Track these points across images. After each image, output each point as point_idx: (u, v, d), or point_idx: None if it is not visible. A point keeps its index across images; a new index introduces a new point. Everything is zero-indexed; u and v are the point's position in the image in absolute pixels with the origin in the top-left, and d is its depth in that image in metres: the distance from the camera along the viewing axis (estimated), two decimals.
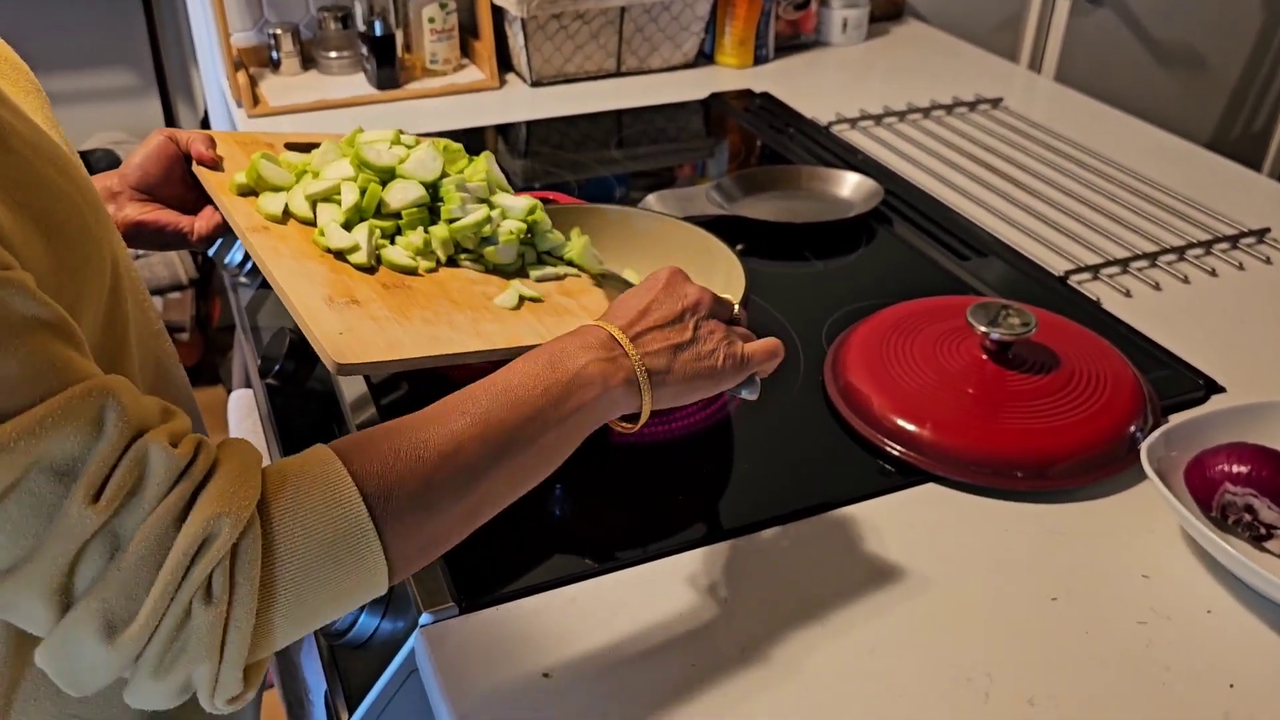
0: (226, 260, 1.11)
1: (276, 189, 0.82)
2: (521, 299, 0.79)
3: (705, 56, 1.70)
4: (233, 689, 0.49)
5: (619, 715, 0.63)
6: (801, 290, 1.08)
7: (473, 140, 1.41)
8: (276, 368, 0.97)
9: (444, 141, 0.86)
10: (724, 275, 0.89)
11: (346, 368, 0.65)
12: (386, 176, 0.82)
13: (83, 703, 0.61)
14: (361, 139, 0.85)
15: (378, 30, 1.49)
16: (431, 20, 1.55)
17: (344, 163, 0.83)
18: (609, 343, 0.62)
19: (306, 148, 0.91)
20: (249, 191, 0.82)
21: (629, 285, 0.90)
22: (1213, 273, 1.11)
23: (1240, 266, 1.12)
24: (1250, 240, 1.16)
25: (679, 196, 1.19)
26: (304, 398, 0.99)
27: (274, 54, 1.57)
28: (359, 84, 1.55)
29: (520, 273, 0.85)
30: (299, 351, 0.98)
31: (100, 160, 2.13)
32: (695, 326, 0.65)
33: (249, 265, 1.12)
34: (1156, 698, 0.65)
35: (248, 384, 1.17)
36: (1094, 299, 1.05)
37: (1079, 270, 1.10)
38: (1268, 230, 1.18)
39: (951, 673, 0.66)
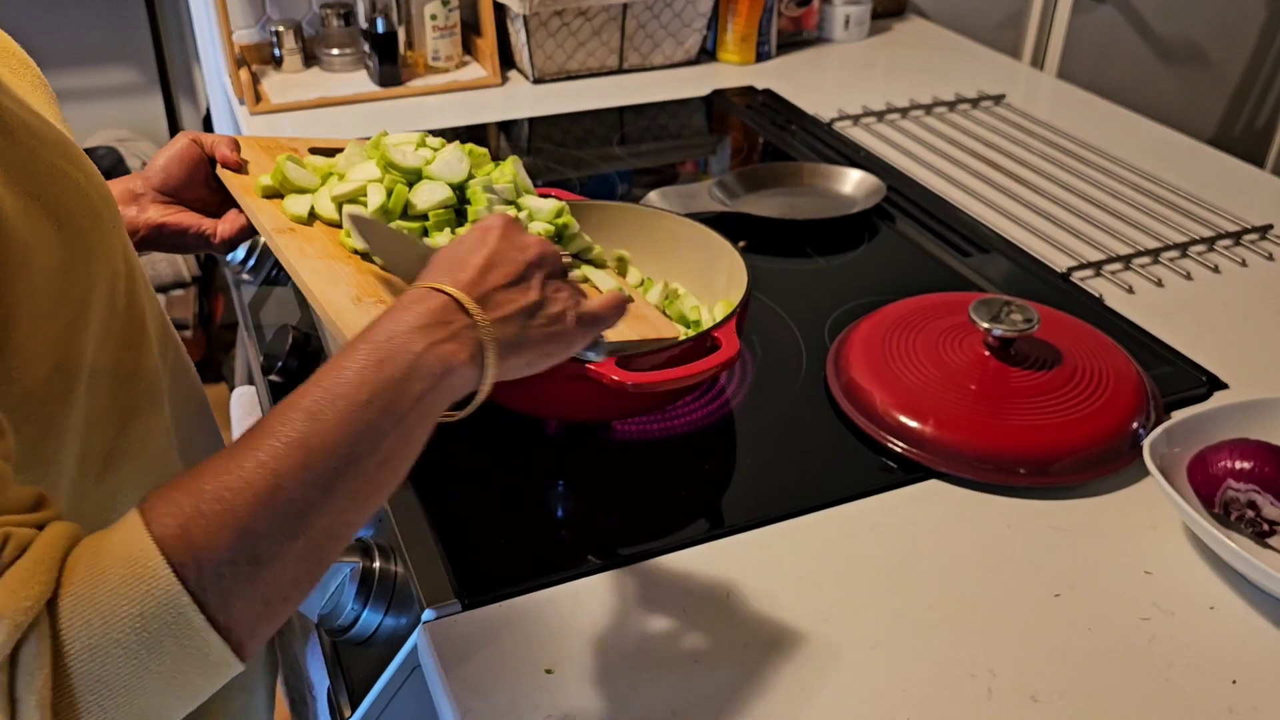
0: (230, 258, 1.11)
1: (302, 191, 0.82)
2: None
3: (707, 53, 1.70)
4: None
5: (621, 712, 0.63)
6: (804, 287, 1.08)
7: (475, 137, 1.41)
8: (279, 365, 0.97)
9: (469, 146, 0.87)
10: (727, 272, 0.89)
11: None
12: (413, 178, 0.82)
13: None
14: (387, 141, 0.85)
15: (380, 27, 1.49)
16: (434, 17, 1.55)
17: (370, 164, 0.83)
18: (449, 310, 0.53)
19: (331, 153, 0.91)
20: (274, 194, 0.82)
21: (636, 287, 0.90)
22: (1215, 269, 1.10)
23: (1243, 263, 1.12)
24: (1253, 237, 1.16)
25: (681, 193, 1.19)
26: None
27: (276, 51, 1.57)
28: (361, 81, 1.55)
29: None
30: (302, 349, 0.98)
31: (103, 158, 2.13)
32: (542, 285, 0.57)
33: (251, 262, 1.12)
34: (1159, 693, 0.65)
35: (250, 381, 1.17)
36: (1096, 295, 1.05)
37: (1081, 266, 1.10)
38: (1270, 227, 1.18)
39: (954, 669, 0.66)
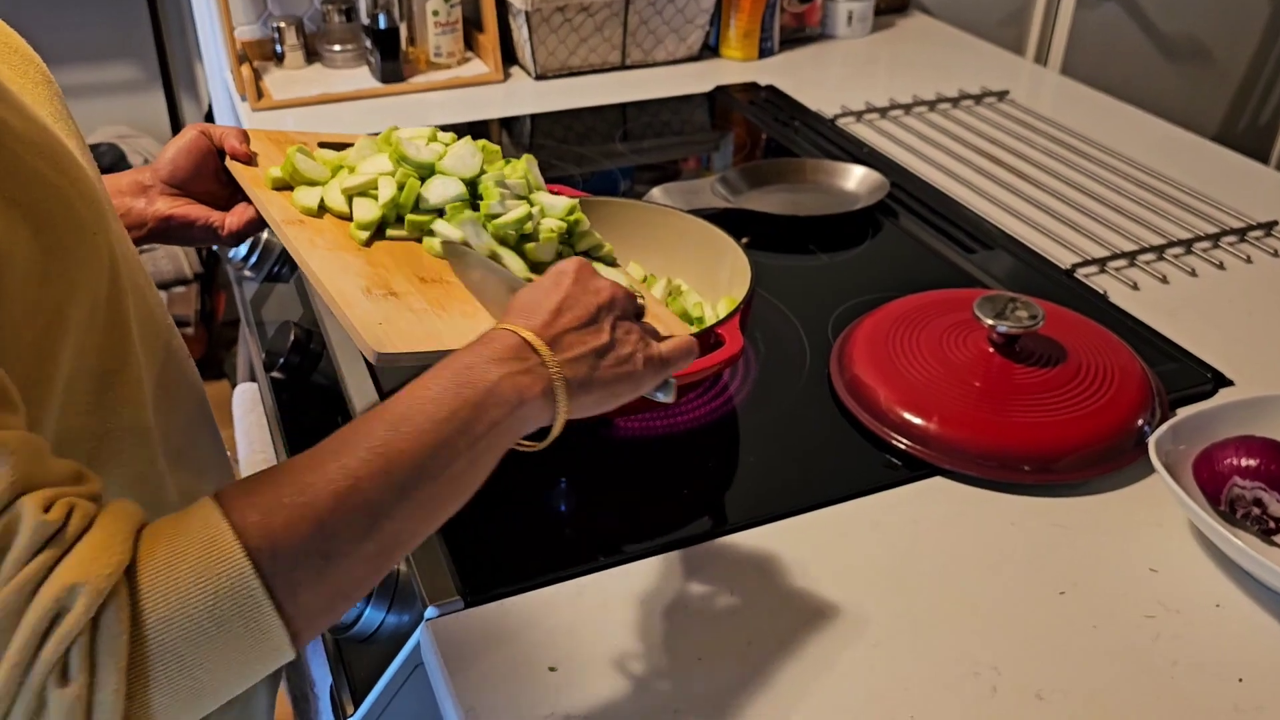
0: (232, 254, 1.11)
1: (312, 183, 0.82)
2: None
3: (710, 49, 1.70)
4: None
5: (624, 710, 0.63)
6: (807, 283, 1.08)
7: (477, 134, 1.40)
8: (281, 361, 0.97)
9: (482, 141, 0.87)
10: (730, 269, 0.89)
11: (386, 357, 0.64)
12: (425, 172, 0.82)
13: None
14: (399, 135, 0.85)
15: (382, 23, 1.49)
16: (435, 13, 1.54)
17: (382, 158, 0.83)
18: (522, 350, 0.56)
19: (340, 148, 0.91)
20: (284, 186, 0.82)
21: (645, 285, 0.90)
22: (1220, 266, 1.10)
23: (1248, 259, 1.11)
24: (1258, 233, 1.16)
25: (684, 189, 1.19)
26: (309, 392, 0.99)
27: (278, 47, 1.57)
28: (363, 77, 1.55)
29: None
30: (304, 346, 0.98)
31: (104, 155, 2.13)
32: (612, 327, 0.59)
33: (254, 258, 1.12)
34: (1164, 692, 0.64)
35: (252, 378, 1.17)
36: (1101, 292, 1.04)
37: (1086, 263, 1.09)
38: (1275, 223, 1.17)
39: (958, 667, 0.66)
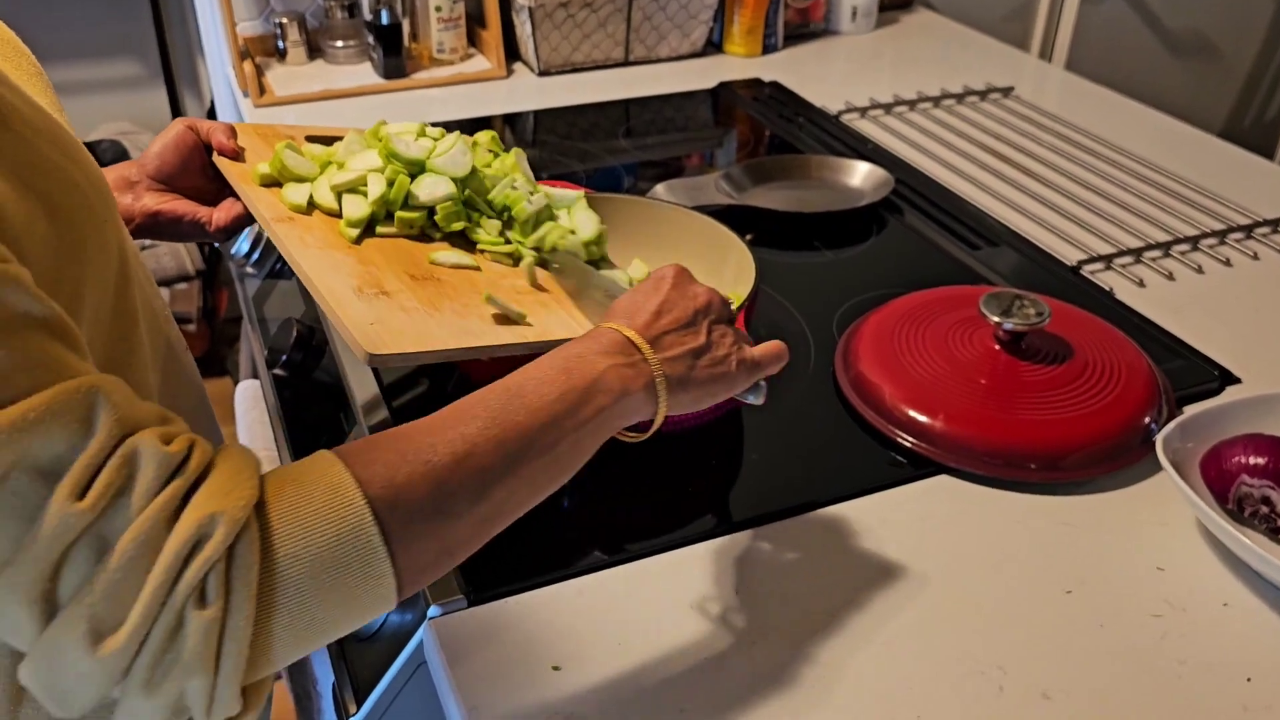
0: (233, 250, 1.11)
1: (301, 180, 0.81)
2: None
3: (714, 45, 1.69)
4: (230, 707, 0.46)
5: (629, 709, 0.62)
6: (812, 280, 1.07)
7: (480, 130, 1.40)
8: (283, 358, 0.97)
9: (490, 132, 0.87)
10: (734, 265, 0.88)
11: (379, 358, 0.64)
12: (416, 170, 0.82)
13: None
14: (387, 130, 0.85)
15: (384, 19, 1.48)
16: (438, 9, 1.54)
17: (371, 154, 0.82)
18: (626, 347, 0.60)
19: (329, 140, 0.91)
20: (272, 182, 0.81)
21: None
22: (1227, 262, 1.10)
23: (1255, 256, 1.11)
24: (1265, 230, 1.15)
25: (688, 186, 1.19)
26: (311, 389, 0.98)
27: (280, 43, 1.56)
28: (365, 73, 1.54)
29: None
30: (306, 343, 0.98)
31: (106, 151, 2.13)
32: (709, 330, 0.63)
33: (255, 255, 1.11)
34: (1172, 691, 0.64)
35: (255, 375, 1.17)
36: (1107, 289, 1.04)
37: (1092, 260, 1.09)
38: None
39: (964, 666, 0.65)
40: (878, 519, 0.76)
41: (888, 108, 1.47)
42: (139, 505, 0.44)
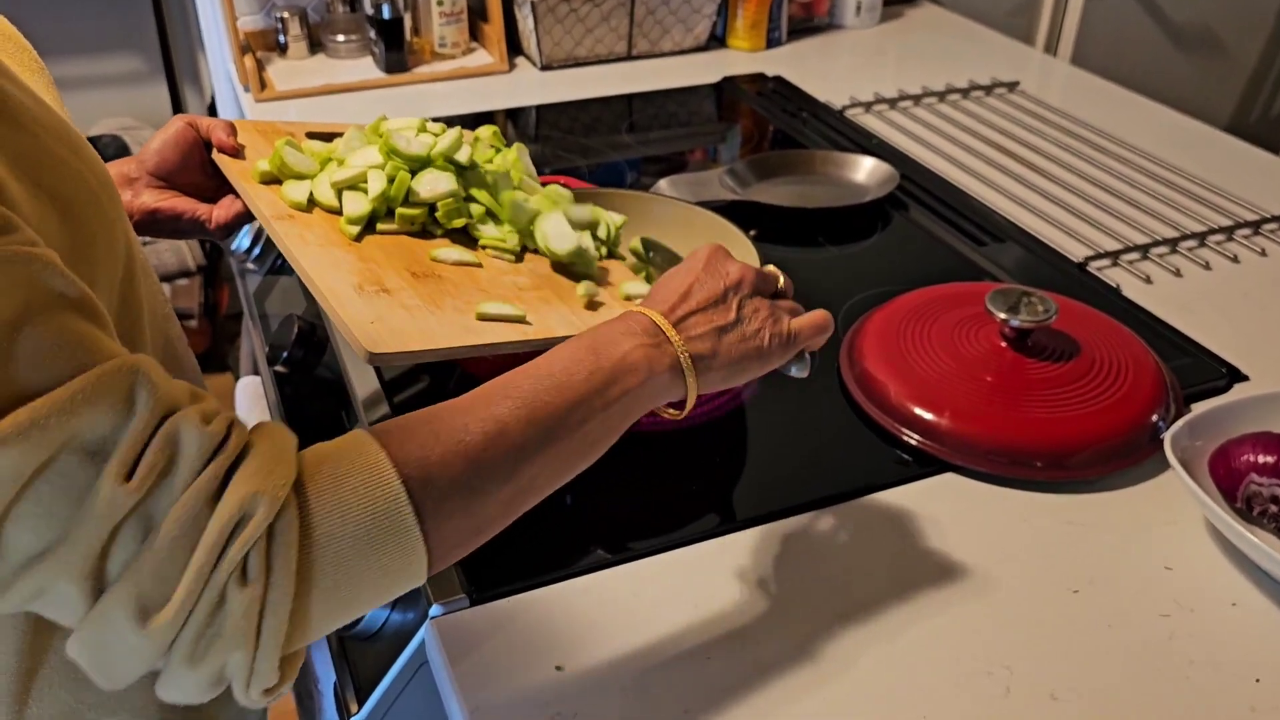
0: (234, 246, 1.10)
1: (301, 177, 0.81)
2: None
3: (717, 40, 1.68)
4: (268, 678, 0.47)
5: (632, 708, 0.62)
6: (816, 276, 1.06)
7: (482, 125, 1.39)
8: (285, 355, 0.96)
9: (490, 128, 0.86)
10: None
11: (379, 357, 0.63)
12: (416, 165, 0.81)
13: (99, 692, 0.60)
14: (387, 126, 0.84)
15: (386, 13, 1.47)
16: (440, 3, 1.53)
17: (371, 150, 0.82)
18: (651, 329, 0.60)
19: (329, 137, 0.90)
20: (272, 179, 0.81)
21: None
22: (1235, 259, 1.09)
23: (1263, 253, 1.10)
24: (1272, 226, 1.15)
25: (691, 181, 1.18)
26: (312, 385, 0.98)
27: (281, 38, 1.56)
28: (367, 68, 1.54)
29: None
30: (307, 339, 0.97)
31: (107, 146, 2.12)
32: (739, 306, 0.63)
33: (256, 251, 1.11)
34: (1180, 692, 0.63)
35: (256, 371, 1.16)
36: (1114, 285, 1.03)
37: (1098, 256, 1.08)
38: None
39: (971, 666, 0.65)
40: (883, 517, 0.76)
41: (892, 102, 1.46)
42: (182, 485, 0.45)
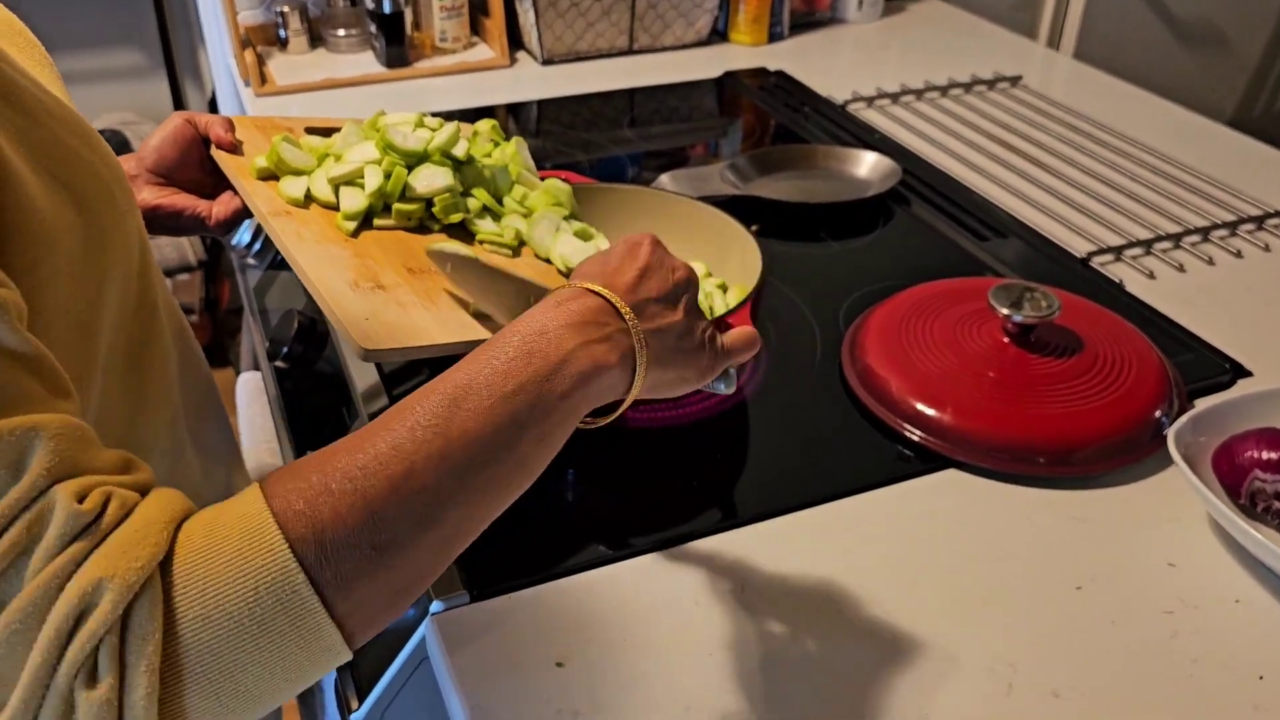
0: (235, 241, 1.10)
1: (298, 173, 0.81)
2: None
3: (719, 34, 1.68)
4: None
5: (633, 706, 0.62)
6: (818, 271, 1.06)
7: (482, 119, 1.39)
8: (285, 350, 0.96)
9: (489, 122, 0.86)
10: (740, 257, 0.87)
11: (374, 354, 0.63)
12: (413, 161, 0.81)
13: None
14: (385, 121, 0.84)
15: (386, 7, 1.47)
16: None
17: (368, 146, 0.82)
18: (602, 313, 0.51)
19: (327, 132, 0.90)
20: (269, 175, 0.81)
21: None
22: (1238, 254, 1.08)
23: (1266, 248, 1.10)
24: (1276, 221, 1.14)
25: (693, 176, 1.18)
26: (313, 380, 0.98)
27: (281, 32, 1.55)
28: (368, 62, 1.53)
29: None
30: (307, 334, 0.97)
31: (109, 141, 2.12)
32: (687, 310, 0.56)
33: (257, 246, 1.10)
34: (1183, 689, 0.63)
35: (256, 367, 1.16)
36: (1117, 281, 1.03)
37: (1101, 251, 1.08)
38: None
39: (973, 663, 0.64)
40: (885, 514, 0.75)
41: (894, 97, 1.45)
42: (35, 569, 0.39)
